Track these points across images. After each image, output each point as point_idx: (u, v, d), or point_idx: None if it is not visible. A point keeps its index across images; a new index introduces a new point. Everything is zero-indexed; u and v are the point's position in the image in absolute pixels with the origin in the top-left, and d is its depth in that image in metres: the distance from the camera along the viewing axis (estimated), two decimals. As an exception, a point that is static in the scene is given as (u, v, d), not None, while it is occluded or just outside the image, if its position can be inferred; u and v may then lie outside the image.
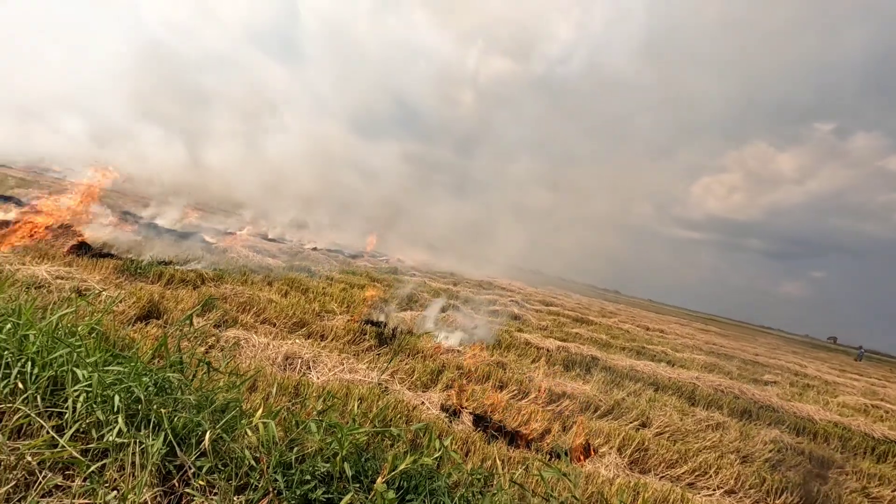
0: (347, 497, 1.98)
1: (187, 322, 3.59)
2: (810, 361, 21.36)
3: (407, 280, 14.42)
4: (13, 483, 1.87)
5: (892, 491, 4.68)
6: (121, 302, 4.52)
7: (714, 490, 3.80)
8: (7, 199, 10.96)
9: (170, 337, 3.00)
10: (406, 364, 5.00)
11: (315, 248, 18.14)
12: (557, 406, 5.09)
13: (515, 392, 5.24)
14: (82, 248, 7.21)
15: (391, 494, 1.97)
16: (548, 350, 7.79)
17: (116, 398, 2.19)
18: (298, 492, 2.05)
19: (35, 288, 4.41)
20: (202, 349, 4.03)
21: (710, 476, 3.95)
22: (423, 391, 4.39)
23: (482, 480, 2.26)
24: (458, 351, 6.36)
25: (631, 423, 5.04)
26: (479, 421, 3.85)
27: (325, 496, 2.04)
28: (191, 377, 2.55)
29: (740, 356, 15.81)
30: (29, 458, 1.97)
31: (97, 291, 4.73)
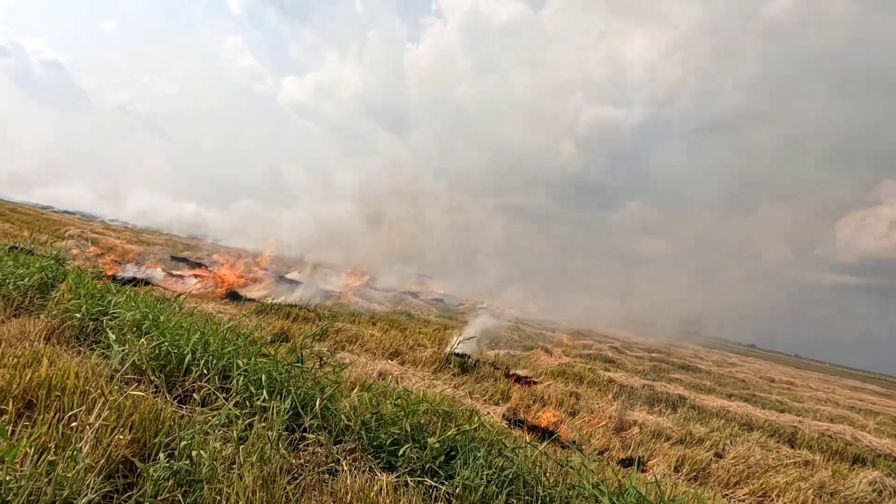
0: (406, 447, 2.78)
1: (307, 340, 4.76)
2: None
3: (503, 325, 15.03)
4: (203, 431, 2.96)
5: None
6: (261, 329, 5.91)
7: (775, 511, 3.88)
8: (181, 259, 13.89)
9: (297, 345, 4.12)
10: (482, 386, 5.69)
11: (415, 296, 19.62)
12: (625, 433, 5.37)
13: (586, 419, 5.62)
14: (233, 295, 9.14)
15: (437, 445, 2.74)
16: (631, 387, 7.87)
17: (263, 377, 3.27)
18: (375, 443, 2.90)
19: (207, 317, 6.00)
20: (317, 363, 5.15)
21: (773, 500, 4.01)
22: (493, 405, 5.04)
23: (513, 450, 2.91)
24: (536, 381, 6.86)
25: (704, 451, 5.13)
26: (535, 429, 4.40)
27: (392, 447, 2.86)
28: (309, 368, 3.57)
29: (892, 413, 13.62)
30: (209, 417, 3.06)
31: (245, 320, 6.22)
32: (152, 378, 3.51)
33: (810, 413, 9.48)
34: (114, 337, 3.75)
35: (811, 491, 4.29)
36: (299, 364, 3.58)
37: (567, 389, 6.60)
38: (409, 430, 2.94)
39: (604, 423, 5.54)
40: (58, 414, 2.49)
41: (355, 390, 3.27)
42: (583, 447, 4.35)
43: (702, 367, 16.14)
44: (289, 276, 16.10)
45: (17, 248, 8.86)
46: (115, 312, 4.49)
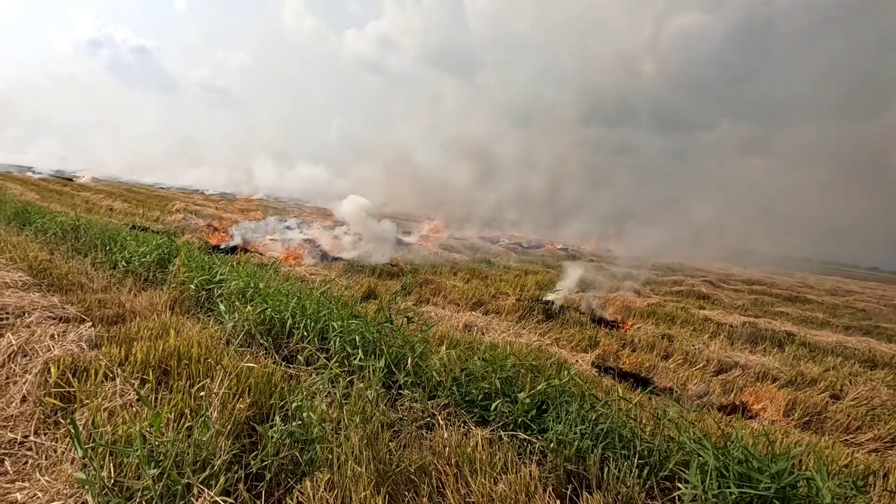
0: (498, 402, 2.84)
1: (394, 299, 4.95)
2: None
3: (579, 265, 14.67)
4: (310, 393, 3.22)
5: None
6: (349, 288, 6.25)
7: (906, 458, 3.54)
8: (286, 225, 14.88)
9: (384, 305, 4.30)
10: (568, 333, 5.65)
11: (494, 242, 19.59)
12: (726, 375, 5.11)
13: (681, 361, 5.40)
14: (324, 256, 9.69)
15: (528, 401, 2.77)
16: (730, 325, 7.41)
17: (357, 338, 3.48)
18: (467, 398, 3.00)
19: (300, 279, 6.44)
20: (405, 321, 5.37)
21: (904, 445, 3.66)
22: (581, 353, 4.99)
23: (605, 403, 2.87)
24: (625, 324, 6.67)
25: (817, 394, 4.76)
26: (627, 376, 4.30)
27: (483, 402, 2.94)
28: (399, 327, 3.73)
29: None
30: (314, 378, 3.31)
31: (335, 279, 6.60)
32: (261, 342, 3.87)
33: (949, 344, 8.37)
34: (223, 307, 4.14)
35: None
36: (388, 323, 3.74)
37: (658, 332, 6.35)
38: (498, 385, 3.00)
39: (701, 365, 5.30)
40: (189, 380, 2.84)
41: (444, 346, 3.37)
42: (679, 394, 4.20)
43: (812, 297, 14.77)
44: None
45: (136, 226, 9.99)
46: (221, 281, 4.95)
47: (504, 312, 6.53)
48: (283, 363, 3.56)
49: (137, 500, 1.88)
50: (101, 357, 3.03)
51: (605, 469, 2.39)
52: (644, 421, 2.94)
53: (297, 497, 2.02)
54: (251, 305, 4.18)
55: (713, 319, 7.74)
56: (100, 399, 2.52)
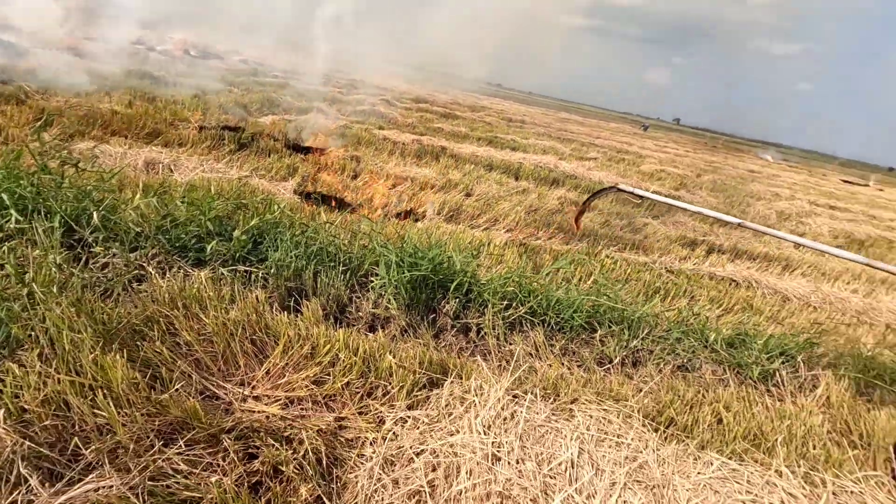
0: (213, 243, 2.97)
1: (36, 135, 3.89)
2: (634, 138, 25.43)
3: (270, 83, 13.78)
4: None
5: (628, 223, 6.90)
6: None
7: (500, 230, 5.49)
8: None
9: (24, 150, 3.37)
10: (265, 162, 5.72)
11: (152, 49, 15.88)
12: (401, 187, 6.32)
13: (367, 180, 6.32)
14: None
15: (243, 238, 3.01)
16: (403, 143, 8.81)
17: (4, 196, 2.77)
18: (178, 244, 3.00)
19: None
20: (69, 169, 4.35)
21: (500, 221, 5.62)
22: (281, 182, 5.26)
23: (312, 228, 3.36)
24: (317, 149, 7.11)
25: (458, 194, 6.49)
26: (326, 199, 4.92)
27: (197, 245, 3.02)
28: (62, 177, 3.11)
29: (581, 139, 18.45)
30: None
31: None
32: None
33: (531, 148, 12.25)
34: None
35: (523, 211, 6.09)
36: (46, 173, 3.07)
37: (347, 154, 7.08)
38: (210, 227, 3.07)
39: (382, 180, 6.37)
40: None
41: (137, 196, 3.08)
42: (366, 208, 5.11)
43: (459, 113, 18.31)
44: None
45: None
46: None
47: (189, 144, 5.94)
48: None
49: None
50: None
51: (318, 280, 2.99)
52: (342, 235, 3.62)
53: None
54: None
55: (390, 138, 8.98)
56: None
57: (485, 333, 3.07)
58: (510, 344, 3.07)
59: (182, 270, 2.88)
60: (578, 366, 3.05)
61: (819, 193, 16.79)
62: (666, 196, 6.65)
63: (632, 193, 5.02)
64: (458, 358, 2.74)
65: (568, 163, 10.42)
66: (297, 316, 2.68)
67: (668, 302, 4.16)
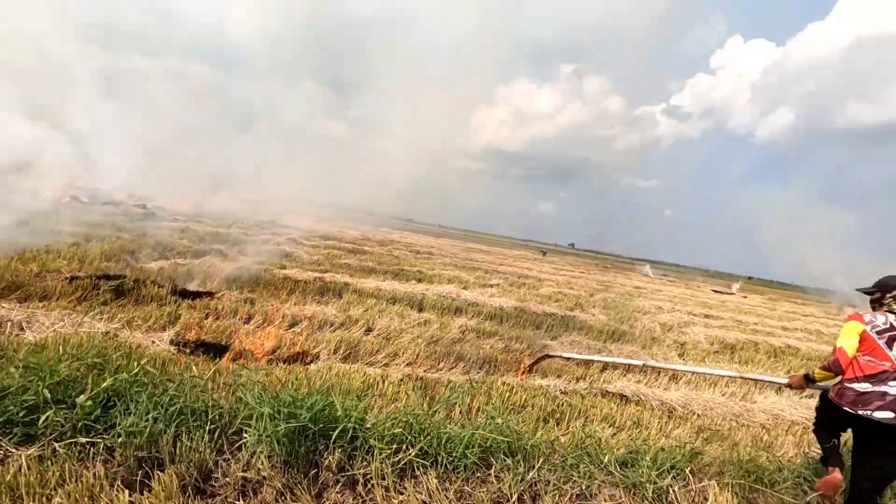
0: (49, 413, 2.57)
1: None
2: (535, 263, 27.60)
3: (164, 227, 13.44)
4: None
5: (527, 347, 7.15)
6: None
7: (400, 364, 5.40)
8: None
9: None
10: (144, 311, 5.32)
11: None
12: (298, 328, 6.12)
13: (260, 322, 6.07)
14: None
15: (89, 403, 2.65)
16: (305, 281, 8.75)
17: None
18: (3, 418, 2.55)
19: None
20: None
21: (399, 356, 5.55)
22: (158, 332, 4.87)
23: (178, 384, 3.07)
24: (210, 293, 6.81)
25: (358, 331, 6.40)
26: (208, 347, 4.59)
27: (28, 417, 2.59)
28: None
29: (485, 267, 19.60)
30: None
31: None
32: None
33: (436, 279, 12.73)
34: None
35: (424, 343, 6.10)
36: None
37: (242, 297, 6.85)
38: (48, 395, 2.69)
39: (277, 322, 6.14)
40: None
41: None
42: (255, 352, 4.83)
43: (367, 248, 18.88)
44: None
45: None
46: None
47: (55, 296, 5.43)
48: None
49: None
50: None
51: (179, 444, 2.65)
52: (219, 388, 3.33)
53: None
54: None
55: (291, 277, 8.90)
56: None
57: (372, 485, 2.83)
58: (401, 494, 2.85)
59: (3, 449, 2.43)
60: (474, 510, 2.86)
61: (695, 304, 18.86)
62: (587, 353, 7.08)
63: (561, 357, 5.80)
64: (338, 521, 2.46)
65: (471, 291, 10.89)
66: (143, 494, 2.30)
67: (563, 425, 4.19)
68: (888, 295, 3.12)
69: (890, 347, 2.89)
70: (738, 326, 13.51)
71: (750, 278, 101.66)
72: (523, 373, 5.65)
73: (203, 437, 2.72)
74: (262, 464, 2.64)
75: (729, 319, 15.10)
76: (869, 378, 2.87)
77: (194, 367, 3.58)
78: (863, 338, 2.97)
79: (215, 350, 4.65)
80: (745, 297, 30.04)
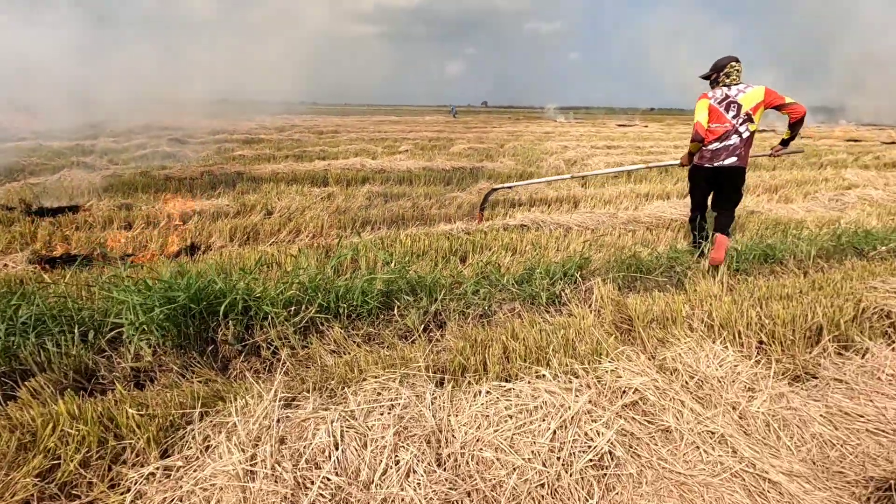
0: None
1: None
2: (447, 125, 27.03)
3: (4, 149, 11.41)
4: None
5: (435, 201, 7.17)
6: None
7: (304, 238, 5.25)
8: None
9: None
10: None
11: None
12: (189, 225, 5.67)
13: (144, 226, 5.54)
14: None
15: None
16: (191, 178, 7.98)
17: None
18: None
19: None
20: None
21: (303, 231, 5.37)
22: (9, 255, 4.31)
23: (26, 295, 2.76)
24: (75, 208, 6.05)
25: (257, 215, 6.05)
26: (84, 260, 4.16)
27: None
28: None
29: (394, 137, 18.89)
30: None
31: None
32: None
33: (342, 154, 12.11)
34: None
35: (328, 215, 5.92)
36: None
37: (115, 204, 6.14)
38: None
39: (163, 224, 5.64)
40: None
41: None
42: (138, 255, 4.46)
43: (264, 136, 17.38)
44: None
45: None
46: None
47: None
48: None
49: None
50: None
51: (43, 352, 2.46)
52: (93, 297, 3.07)
53: None
54: None
55: (174, 176, 8.07)
56: None
57: (276, 347, 2.85)
58: (307, 349, 2.90)
59: None
60: (381, 345, 3.00)
61: (599, 139, 19.65)
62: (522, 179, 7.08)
63: (504, 187, 6.55)
64: (239, 382, 2.48)
65: (378, 160, 10.52)
66: (7, 405, 2.15)
67: (468, 261, 4.38)
68: (722, 73, 3.86)
69: (727, 112, 3.80)
70: (636, 151, 14.38)
71: (651, 109, 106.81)
72: (480, 220, 5.81)
73: (73, 340, 2.53)
74: (145, 352, 2.53)
75: (628, 147, 15.99)
76: (718, 139, 3.87)
77: (62, 282, 3.23)
78: (710, 110, 3.86)
79: (91, 263, 4.22)
80: (646, 126, 31.68)
